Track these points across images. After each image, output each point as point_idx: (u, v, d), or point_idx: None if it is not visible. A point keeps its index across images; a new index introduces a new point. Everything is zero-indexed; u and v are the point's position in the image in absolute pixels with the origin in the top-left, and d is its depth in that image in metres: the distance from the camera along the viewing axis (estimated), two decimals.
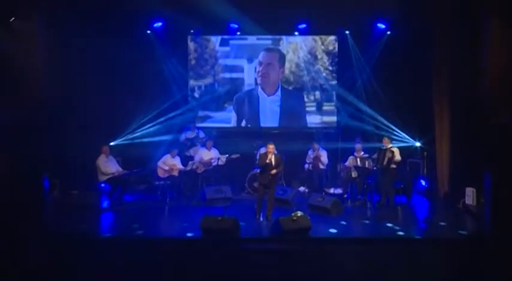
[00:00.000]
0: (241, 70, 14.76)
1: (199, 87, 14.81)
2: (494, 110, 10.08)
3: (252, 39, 14.69)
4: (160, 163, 12.39)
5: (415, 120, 13.29)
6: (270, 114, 14.70)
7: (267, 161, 10.14)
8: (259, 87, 14.67)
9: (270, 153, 10.20)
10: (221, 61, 14.78)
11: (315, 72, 14.65)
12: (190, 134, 13.63)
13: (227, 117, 14.77)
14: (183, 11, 13.19)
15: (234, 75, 14.79)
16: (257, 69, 14.62)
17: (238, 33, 14.48)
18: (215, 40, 14.74)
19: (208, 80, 14.81)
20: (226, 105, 14.80)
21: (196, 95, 14.75)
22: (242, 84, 14.80)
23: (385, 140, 11.75)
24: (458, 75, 11.73)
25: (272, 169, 10.12)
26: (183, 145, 13.54)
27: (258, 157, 10.84)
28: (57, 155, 11.57)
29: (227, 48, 14.76)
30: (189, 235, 9.22)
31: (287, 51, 14.68)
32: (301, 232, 9.12)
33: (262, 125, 14.64)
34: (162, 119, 14.04)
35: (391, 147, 11.54)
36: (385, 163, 11.33)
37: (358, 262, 8.36)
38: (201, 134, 13.75)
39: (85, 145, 12.10)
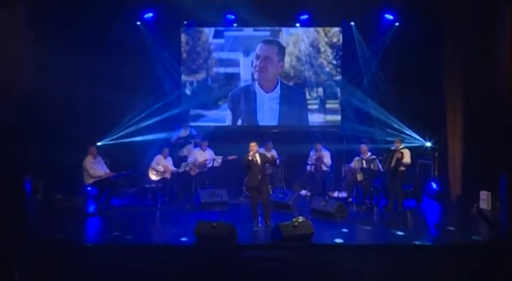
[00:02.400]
0: (237, 64, 14.73)
1: (191, 83, 14.75)
2: (510, 108, 10.09)
3: (248, 31, 14.66)
4: (153, 164, 12.40)
5: (425, 119, 13.30)
6: (268, 112, 14.68)
7: (249, 158, 10.11)
8: (257, 83, 14.66)
9: (253, 151, 10.17)
10: (215, 54, 14.74)
11: (317, 67, 14.66)
12: (183, 133, 13.64)
13: (221, 116, 14.75)
14: (176, 1, 13.18)
15: (229, 70, 14.76)
16: (254, 64, 14.59)
17: (235, 24, 14.44)
18: (208, 31, 14.68)
19: (201, 76, 14.77)
20: (220, 103, 14.77)
21: (187, 91, 14.71)
22: (238, 80, 14.78)
23: (397, 141, 11.72)
24: (473, 70, 11.75)
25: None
26: (175, 145, 13.54)
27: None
28: (41, 156, 11.55)
29: (221, 41, 14.71)
30: (182, 241, 9.22)
31: (287, 43, 14.68)
32: (303, 238, 9.13)
33: (260, 124, 14.63)
34: (153, 117, 14.01)
35: (401, 148, 11.53)
36: (392, 164, 11.34)
37: (364, 270, 8.38)
38: (194, 132, 13.75)
39: (70, 145, 12.09)
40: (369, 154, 12.26)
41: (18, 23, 10.90)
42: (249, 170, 10.21)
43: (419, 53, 13.15)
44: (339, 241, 9.32)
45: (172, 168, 12.57)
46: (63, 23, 12.25)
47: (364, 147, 12.34)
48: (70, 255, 8.62)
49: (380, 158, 11.91)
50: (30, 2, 11.29)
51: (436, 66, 12.87)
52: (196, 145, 13.39)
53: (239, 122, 14.72)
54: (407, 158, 11.42)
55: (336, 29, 14.54)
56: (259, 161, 10.14)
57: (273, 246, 9.12)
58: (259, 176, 10.09)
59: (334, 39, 14.57)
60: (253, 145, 10.25)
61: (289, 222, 9.23)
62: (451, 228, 10.23)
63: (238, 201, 12.46)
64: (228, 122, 14.73)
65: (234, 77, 14.77)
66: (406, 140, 12.90)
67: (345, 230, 9.97)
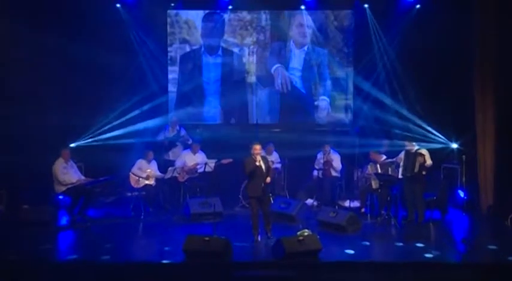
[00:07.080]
0: (230, 53, 14.75)
1: (176, 75, 14.75)
2: None
3: (243, 14, 14.65)
4: (134, 170, 12.39)
5: (451, 116, 13.31)
6: (267, 108, 14.74)
7: (257, 163, 10.06)
8: (254, 76, 14.67)
9: (258, 155, 10.13)
10: (203, 41, 14.73)
11: (325, 56, 14.66)
12: (170, 132, 13.61)
13: (212, 114, 14.82)
14: None
15: (219, 60, 14.76)
16: (250, 52, 14.62)
17: (230, 7, 14.46)
18: (195, 14, 14.68)
19: (187, 67, 14.77)
20: (210, 98, 14.78)
21: (172, 85, 14.68)
22: (231, 72, 14.79)
23: (408, 143, 11.66)
24: (506, 60, 11.76)
25: (266, 177, 10.11)
26: (161, 146, 13.51)
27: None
28: (3, 160, 11.55)
29: (211, 25, 14.71)
30: (169, 259, 9.22)
31: (289, 28, 14.66)
32: (309, 255, 9.15)
33: (257, 122, 14.38)
34: (134, 115, 14.04)
35: (418, 149, 11.49)
36: (416, 169, 11.25)
37: None
38: (183, 132, 13.73)
39: (39, 147, 12.09)
40: (384, 157, 12.26)
41: None
42: (253, 178, 10.14)
43: (443, 41, 13.13)
44: (350, 252, 9.38)
45: (158, 173, 12.56)
46: (28, 3, 12.22)
47: (374, 154, 12.31)
48: (39, 275, 8.61)
49: (394, 159, 11.89)
50: None
51: (463, 57, 12.86)
52: (187, 147, 13.34)
53: (232, 121, 14.74)
54: (429, 160, 11.38)
55: (348, 12, 14.53)
56: (263, 168, 10.10)
57: (275, 264, 9.10)
58: (263, 185, 10.09)
59: (346, 23, 14.52)
60: (258, 148, 10.16)
61: (293, 236, 9.25)
62: (483, 244, 10.20)
63: (234, 212, 12.49)
64: (219, 121, 14.77)
65: (226, 69, 14.75)
66: (428, 141, 12.90)
67: (358, 245, 9.97)
